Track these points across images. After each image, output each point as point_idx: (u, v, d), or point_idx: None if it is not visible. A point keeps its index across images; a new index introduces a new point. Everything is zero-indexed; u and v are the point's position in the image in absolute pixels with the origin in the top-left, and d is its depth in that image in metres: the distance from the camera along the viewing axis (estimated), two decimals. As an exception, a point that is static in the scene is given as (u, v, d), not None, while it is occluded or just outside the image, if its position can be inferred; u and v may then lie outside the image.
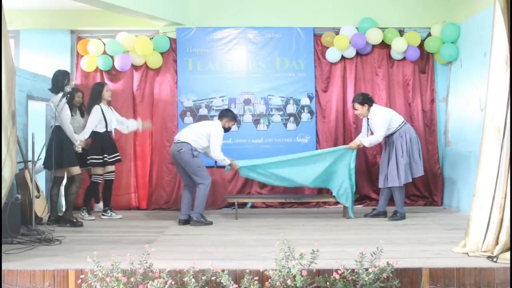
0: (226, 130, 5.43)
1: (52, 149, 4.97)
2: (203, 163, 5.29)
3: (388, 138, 5.44)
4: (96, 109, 5.49)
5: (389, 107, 6.44)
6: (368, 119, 5.48)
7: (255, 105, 6.48)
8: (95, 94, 5.55)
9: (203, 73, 6.43)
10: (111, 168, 5.64)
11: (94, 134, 5.50)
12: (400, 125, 5.37)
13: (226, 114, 5.44)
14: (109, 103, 5.74)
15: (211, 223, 5.29)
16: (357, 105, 5.44)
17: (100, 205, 6.09)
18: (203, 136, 5.26)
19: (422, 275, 3.31)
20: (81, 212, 5.63)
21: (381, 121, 5.30)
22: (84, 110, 5.86)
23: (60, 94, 5.14)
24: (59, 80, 5.19)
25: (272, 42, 6.48)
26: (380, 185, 5.49)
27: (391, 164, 5.32)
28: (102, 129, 5.51)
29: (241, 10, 6.52)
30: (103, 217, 5.68)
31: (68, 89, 5.11)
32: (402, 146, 5.30)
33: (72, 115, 5.58)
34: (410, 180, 5.35)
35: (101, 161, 5.49)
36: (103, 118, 5.50)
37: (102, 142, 5.50)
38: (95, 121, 5.46)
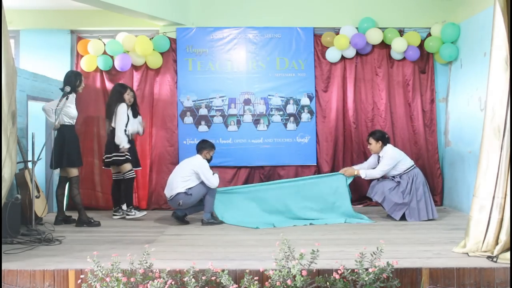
0: (208, 161, 5.42)
1: (54, 148, 4.99)
2: (197, 185, 5.22)
3: (396, 175, 5.43)
4: (123, 107, 5.47)
5: (389, 107, 6.48)
6: (379, 156, 5.50)
7: (255, 105, 6.48)
8: (117, 96, 5.55)
9: (203, 73, 6.43)
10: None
11: (111, 132, 5.50)
12: (409, 168, 5.38)
13: (204, 146, 5.42)
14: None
15: (221, 222, 5.29)
16: (371, 140, 5.45)
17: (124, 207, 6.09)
18: (190, 177, 5.22)
19: (422, 275, 3.31)
20: (129, 212, 5.57)
21: (390, 158, 5.32)
22: (138, 109, 5.92)
23: (72, 95, 5.18)
24: (71, 81, 5.21)
25: (272, 42, 6.48)
26: (374, 197, 5.43)
27: (392, 194, 5.28)
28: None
29: (241, 10, 6.52)
30: (127, 217, 5.60)
31: (67, 89, 5.09)
32: (407, 187, 5.30)
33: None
34: (397, 219, 5.28)
35: (124, 158, 5.49)
36: (127, 117, 5.52)
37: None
38: (124, 119, 5.45)
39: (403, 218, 5.29)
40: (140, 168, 6.06)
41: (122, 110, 5.46)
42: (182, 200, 5.19)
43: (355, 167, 5.62)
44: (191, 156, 5.48)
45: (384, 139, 5.46)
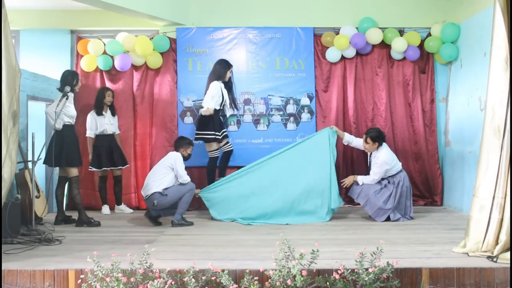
0: (186, 158, 5.38)
1: (53, 147, 5.00)
2: (174, 187, 5.17)
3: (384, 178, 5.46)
4: (215, 85, 5.72)
5: (389, 107, 6.47)
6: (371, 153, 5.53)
7: (255, 105, 6.48)
8: (220, 73, 5.83)
9: (203, 73, 6.41)
10: (225, 140, 5.93)
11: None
12: (396, 173, 5.40)
13: (181, 144, 5.39)
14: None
15: (191, 223, 5.26)
16: (369, 140, 5.41)
17: (122, 207, 6.10)
18: (165, 174, 5.16)
19: (422, 275, 3.31)
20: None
21: (382, 166, 5.32)
22: (115, 109, 6.00)
23: (70, 94, 5.18)
24: (68, 80, 5.23)
25: (272, 42, 6.48)
26: (357, 199, 5.47)
27: (377, 197, 5.29)
28: (217, 106, 5.75)
29: (241, 10, 6.52)
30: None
31: (67, 89, 5.09)
32: (393, 191, 5.30)
33: (102, 114, 5.82)
34: (380, 221, 5.27)
35: (213, 137, 5.72)
36: (221, 95, 5.75)
37: (213, 119, 5.71)
38: (214, 94, 5.70)
39: (387, 219, 5.30)
40: (128, 165, 6.12)
41: (215, 87, 5.72)
42: (156, 201, 5.10)
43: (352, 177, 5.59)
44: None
45: (380, 139, 5.44)
